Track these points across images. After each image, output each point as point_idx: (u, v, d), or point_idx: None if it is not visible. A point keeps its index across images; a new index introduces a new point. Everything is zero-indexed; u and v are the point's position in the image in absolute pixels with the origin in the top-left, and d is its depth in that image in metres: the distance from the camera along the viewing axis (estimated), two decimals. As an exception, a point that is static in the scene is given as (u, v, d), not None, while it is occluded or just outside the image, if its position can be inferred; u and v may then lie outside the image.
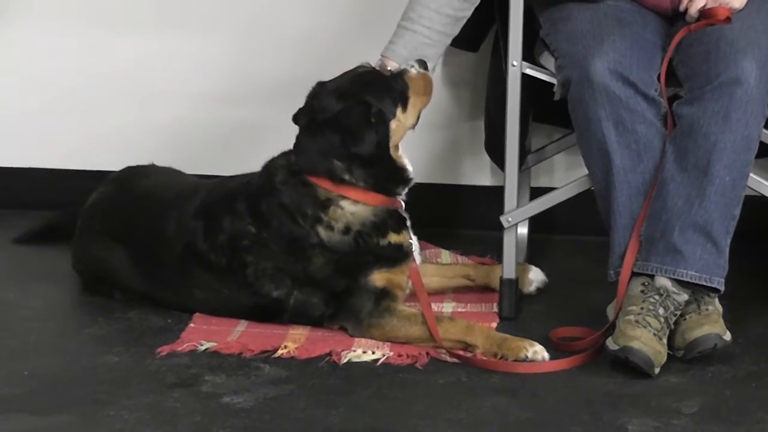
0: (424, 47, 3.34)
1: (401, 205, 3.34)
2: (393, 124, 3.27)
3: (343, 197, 3.26)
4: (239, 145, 4.14)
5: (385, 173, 3.28)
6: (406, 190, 3.34)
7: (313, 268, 3.25)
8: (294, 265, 3.26)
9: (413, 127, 3.34)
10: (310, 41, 4.10)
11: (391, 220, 3.30)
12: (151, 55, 4.19)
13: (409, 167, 3.33)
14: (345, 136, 3.22)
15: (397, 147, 3.31)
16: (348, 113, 3.22)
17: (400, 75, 3.30)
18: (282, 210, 3.28)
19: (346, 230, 3.25)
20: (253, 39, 4.15)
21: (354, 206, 3.26)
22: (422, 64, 3.32)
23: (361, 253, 3.25)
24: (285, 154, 3.34)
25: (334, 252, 3.25)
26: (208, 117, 4.19)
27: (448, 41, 3.38)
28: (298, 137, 3.31)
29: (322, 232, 3.25)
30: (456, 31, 3.37)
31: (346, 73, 3.32)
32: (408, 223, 3.35)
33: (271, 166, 3.36)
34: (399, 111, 3.28)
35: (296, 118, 3.30)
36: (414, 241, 3.35)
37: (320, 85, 3.31)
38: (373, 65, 3.33)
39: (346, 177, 3.25)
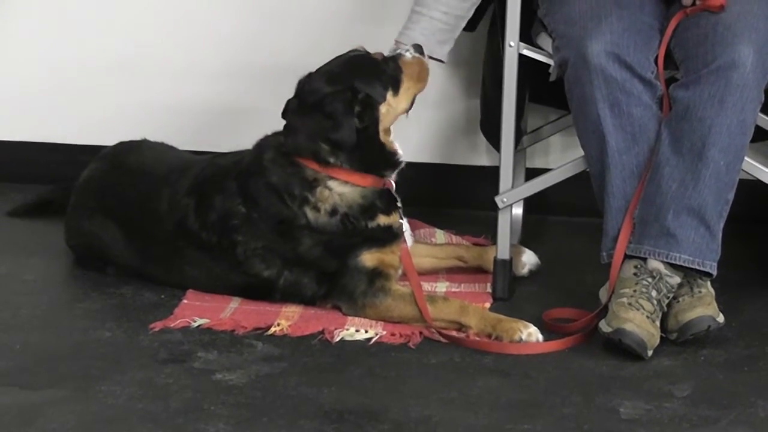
0: (441, 32, 3.34)
1: (392, 186, 3.33)
2: (383, 108, 3.25)
3: (332, 177, 3.25)
4: (234, 122, 4.13)
5: (371, 157, 3.26)
6: (395, 172, 3.33)
7: (302, 249, 3.25)
8: (283, 245, 3.26)
9: (406, 111, 3.33)
10: (311, 21, 4.09)
11: (381, 202, 3.29)
12: (149, 30, 4.17)
13: (399, 151, 3.32)
14: (328, 121, 3.20)
15: (387, 131, 3.29)
16: (333, 99, 3.20)
17: (393, 59, 3.30)
18: (270, 190, 3.27)
19: (333, 212, 3.24)
20: (255, 17, 4.13)
21: (342, 187, 3.25)
22: (418, 48, 3.31)
23: (349, 234, 3.24)
24: (277, 134, 3.33)
25: (322, 233, 3.24)
26: (202, 93, 4.18)
27: (464, 23, 3.38)
28: (288, 119, 3.29)
29: (310, 213, 3.24)
30: (470, 14, 3.37)
31: (338, 57, 3.31)
32: (398, 204, 3.33)
33: (262, 144, 3.36)
34: (390, 95, 3.27)
35: (285, 110, 3.28)
36: (404, 222, 3.34)
37: (310, 75, 3.29)
38: (366, 49, 3.32)
39: (332, 159, 3.23)
